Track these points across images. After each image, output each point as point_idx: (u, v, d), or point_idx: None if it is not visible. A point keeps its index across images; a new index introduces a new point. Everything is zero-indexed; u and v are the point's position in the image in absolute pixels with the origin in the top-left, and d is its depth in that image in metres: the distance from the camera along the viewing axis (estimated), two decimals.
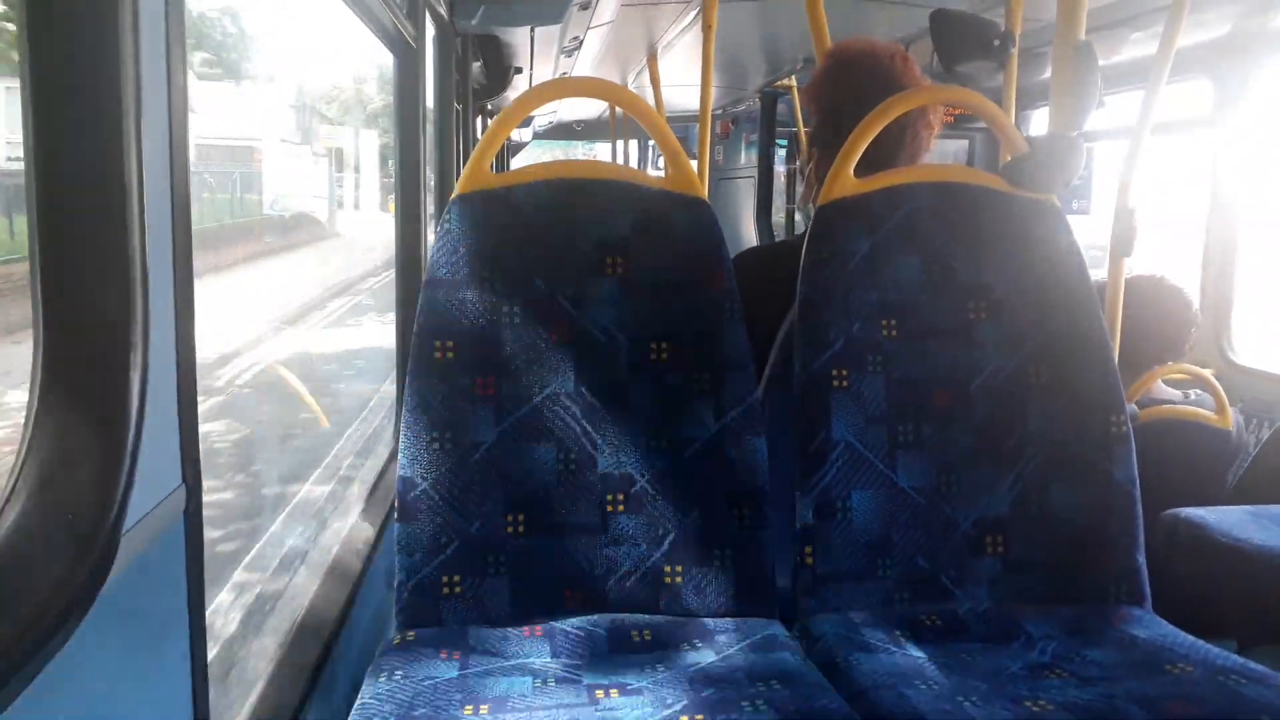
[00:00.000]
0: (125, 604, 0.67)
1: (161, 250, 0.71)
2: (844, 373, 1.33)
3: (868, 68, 1.59)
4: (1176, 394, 2.37)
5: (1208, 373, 2.33)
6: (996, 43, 2.16)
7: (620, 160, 6.91)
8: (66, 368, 0.60)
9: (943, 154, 4.55)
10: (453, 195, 1.28)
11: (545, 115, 7.42)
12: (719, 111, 5.89)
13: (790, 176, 5.42)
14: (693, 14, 3.26)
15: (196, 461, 0.77)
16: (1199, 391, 2.36)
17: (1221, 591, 1.79)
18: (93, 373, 0.61)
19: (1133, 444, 1.37)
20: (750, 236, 5.34)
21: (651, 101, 4.40)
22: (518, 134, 8.31)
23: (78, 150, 0.59)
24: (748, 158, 5.37)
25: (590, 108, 7.13)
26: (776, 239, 5.23)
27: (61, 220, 0.59)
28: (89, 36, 0.58)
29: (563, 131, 8.71)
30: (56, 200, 0.59)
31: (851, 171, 1.40)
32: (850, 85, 1.59)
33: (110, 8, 0.59)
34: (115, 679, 0.67)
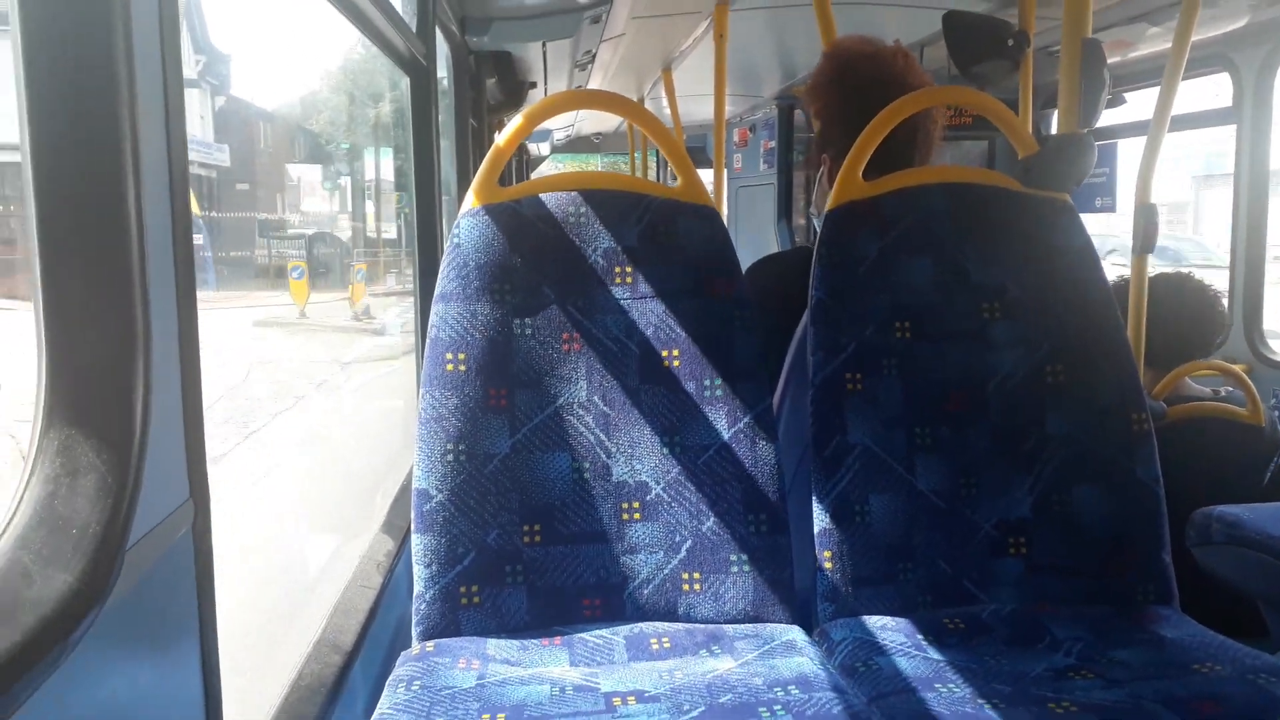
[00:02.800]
0: (132, 619, 0.68)
1: (163, 262, 0.72)
2: (858, 376, 1.32)
3: (870, 68, 1.58)
4: (1205, 390, 2.33)
5: (1238, 368, 2.29)
6: (1011, 42, 2.15)
7: (639, 172, 6.92)
8: (69, 383, 0.61)
9: (967, 156, 4.52)
10: (461, 210, 1.29)
11: (563, 129, 7.46)
12: (737, 120, 5.89)
13: (808, 182, 5.40)
14: (704, 24, 3.27)
15: (204, 476, 0.77)
16: (1230, 388, 2.32)
17: (1257, 589, 1.75)
18: (95, 388, 0.62)
19: (1155, 442, 1.35)
20: (772, 244, 5.33)
21: (667, 113, 4.41)
22: (537, 149, 8.35)
23: (75, 164, 0.60)
24: (766, 165, 5.37)
25: (609, 120, 7.16)
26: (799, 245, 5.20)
27: (61, 233, 0.60)
28: (83, 55, 0.60)
29: (581, 145, 8.74)
30: (56, 213, 0.60)
31: (860, 174, 1.40)
32: (853, 87, 1.58)
33: (103, 25, 0.60)
34: (122, 694, 0.67)
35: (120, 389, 0.63)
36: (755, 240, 5.46)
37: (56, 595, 0.56)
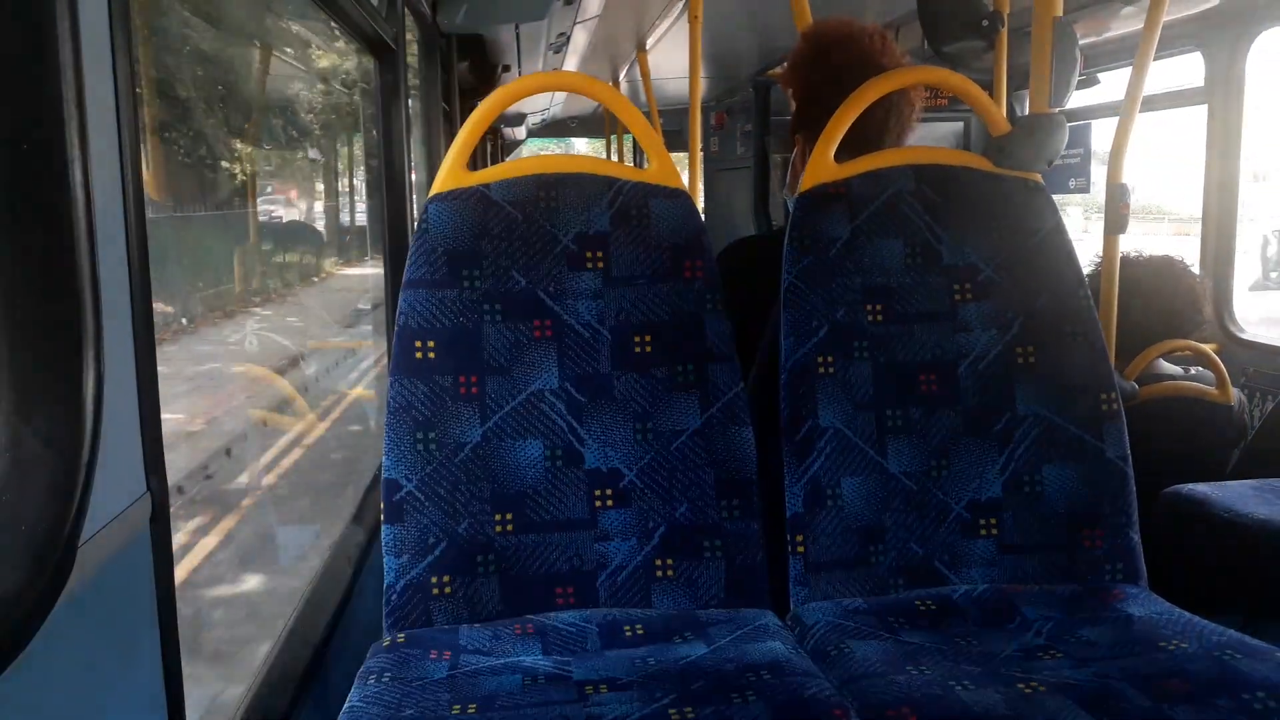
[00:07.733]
0: (89, 618, 0.66)
1: (114, 241, 0.70)
2: (829, 359, 1.32)
3: (847, 49, 1.57)
4: (1177, 370, 2.35)
5: (1208, 348, 2.30)
6: (985, 23, 2.14)
7: (616, 155, 6.89)
8: (16, 374, 0.59)
9: (941, 137, 4.52)
10: (429, 195, 1.27)
11: (538, 113, 7.41)
12: (713, 103, 5.86)
13: (784, 165, 5.37)
14: (679, 6, 3.25)
15: (161, 469, 0.76)
16: (1200, 368, 2.34)
17: (1225, 567, 1.78)
18: (45, 380, 0.60)
19: (1124, 422, 1.35)
20: (748, 228, 5.32)
21: (643, 95, 4.39)
22: (513, 132, 8.28)
23: (17, 147, 0.58)
24: (743, 148, 5.35)
25: (586, 103, 7.11)
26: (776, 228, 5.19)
27: (4, 221, 0.58)
28: (23, 30, 0.58)
29: (557, 129, 8.67)
30: None
31: (831, 156, 1.39)
32: (830, 67, 1.57)
33: (47, 9, 0.58)
34: (80, 695, 0.66)
35: (70, 380, 0.61)
36: (732, 224, 5.45)
37: (6, 595, 0.54)
